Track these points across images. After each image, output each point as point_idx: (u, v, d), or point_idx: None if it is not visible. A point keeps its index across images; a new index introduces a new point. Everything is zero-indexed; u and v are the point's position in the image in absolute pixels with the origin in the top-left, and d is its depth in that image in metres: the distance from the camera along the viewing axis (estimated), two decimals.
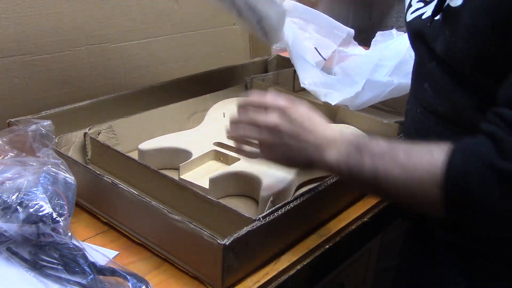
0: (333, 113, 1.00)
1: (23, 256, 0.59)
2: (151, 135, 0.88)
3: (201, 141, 0.87)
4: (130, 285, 0.56)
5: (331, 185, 0.70)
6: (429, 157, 0.51)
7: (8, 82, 0.85)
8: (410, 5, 0.67)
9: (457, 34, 0.55)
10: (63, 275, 0.57)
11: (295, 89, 1.23)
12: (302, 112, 0.62)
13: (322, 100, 1.03)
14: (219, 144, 0.87)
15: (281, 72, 1.21)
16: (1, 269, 0.58)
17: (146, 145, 0.85)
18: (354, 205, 0.79)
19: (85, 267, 0.57)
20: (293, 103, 0.62)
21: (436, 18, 0.59)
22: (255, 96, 0.65)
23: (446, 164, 0.50)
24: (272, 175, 0.76)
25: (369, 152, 0.55)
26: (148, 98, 0.97)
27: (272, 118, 0.62)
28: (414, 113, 0.67)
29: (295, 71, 1.18)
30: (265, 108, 0.63)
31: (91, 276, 0.56)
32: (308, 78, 1.12)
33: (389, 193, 0.56)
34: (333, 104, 0.99)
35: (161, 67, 1.08)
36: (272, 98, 0.63)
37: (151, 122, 0.93)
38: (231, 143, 0.88)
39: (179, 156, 0.84)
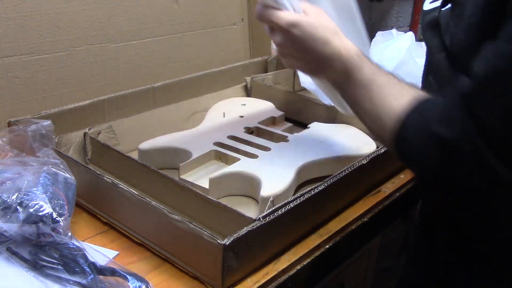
0: (333, 113, 1.00)
1: (23, 256, 0.59)
2: (151, 135, 0.88)
3: (201, 141, 0.87)
4: (130, 285, 0.56)
5: (331, 185, 0.70)
6: (395, 102, 0.55)
7: (8, 82, 0.85)
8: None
9: (459, 26, 0.56)
10: (63, 275, 0.57)
11: (295, 89, 1.23)
12: (304, 31, 0.62)
13: (322, 100, 1.03)
14: (219, 144, 0.87)
15: (281, 72, 1.21)
16: (1, 269, 0.58)
17: (146, 145, 0.85)
18: (354, 205, 0.79)
19: (85, 267, 0.57)
20: (297, 20, 0.62)
21: (444, 8, 0.60)
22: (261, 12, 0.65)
23: (400, 115, 0.53)
24: (272, 175, 0.76)
25: (353, 82, 0.61)
26: (148, 98, 0.97)
27: (276, 39, 0.65)
28: None
29: (295, 71, 1.19)
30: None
31: (91, 276, 0.56)
32: (308, 78, 1.12)
33: (364, 121, 0.62)
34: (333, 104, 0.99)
35: (161, 67, 1.08)
36: (277, 15, 0.63)
37: (151, 122, 0.93)
38: (231, 143, 0.88)
39: (179, 156, 0.84)
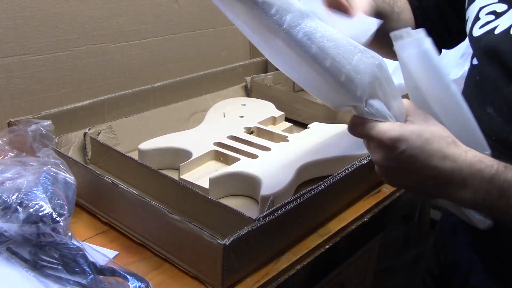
0: (333, 113, 1.00)
1: (23, 256, 0.59)
2: (151, 135, 0.88)
3: (201, 141, 0.87)
4: (130, 285, 0.56)
5: (331, 185, 0.70)
6: None
7: (8, 82, 0.85)
8: (477, 18, 0.60)
9: None
10: (63, 275, 0.57)
11: (295, 89, 1.23)
12: (414, 146, 0.49)
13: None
14: (219, 144, 0.87)
15: (281, 72, 1.20)
16: (1, 269, 0.58)
17: (146, 145, 0.85)
18: (354, 205, 0.79)
19: (85, 267, 0.57)
20: (402, 134, 0.49)
21: (498, 32, 0.54)
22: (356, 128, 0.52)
23: None
24: (272, 175, 0.76)
25: (500, 195, 0.48)
26: (148, 98, 0.97)
27: (376, 157, 0.51)
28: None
29: None
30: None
31: (91, 276, 0.56)
32: None
33: None
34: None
35: (161, 67, 1.08)
36: (377, 129, 0.50)
37: (151, 122, 0.93)
38: (231, 143, 0.88)
39: (179, 156, 0.84)
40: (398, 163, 0.49)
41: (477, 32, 0.60)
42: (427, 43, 0.49)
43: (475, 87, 0.62)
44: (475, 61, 0.63)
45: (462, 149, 0.50)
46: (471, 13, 0.62)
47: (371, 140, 0.51)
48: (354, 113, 0.52)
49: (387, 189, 0.84)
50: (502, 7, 0.58)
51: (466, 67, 0.90)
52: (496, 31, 0.57)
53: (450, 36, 0.76)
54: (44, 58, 0.89)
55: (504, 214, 0.49)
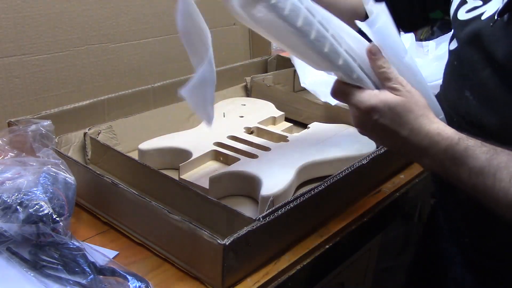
0: (333, 113, 1.00)
1: (23, 256, 0.59)
2: (151, 135, 0.88)
3: (201, 141, 0.87)
4: (130, 285, 0.56)
5: (331, 185, 0.70)
6: None
7: (8, 82, 0.85)
8: (464, 2, 0.63)
9: None
10: (63, 275, 0.57)
11: (295, 89, 1.23)
12: (387, 116, 0.56)
13: (322, 100, 1.03)
14: (219, 144, 0.87)
15: (281, 72, 1.21)
16: (1, 269, 0.58)
17: (146, 145, 0.85)
18: (354, 205, 0.79)
19: (85, 267, 0.57)
20: (376, 105, 0.56)
21: (498, 18, 0.55)
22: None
23: None
24: (272, 175, 0.76)
25: (467, 167, 0.52)
26: (148, 98, 0.97)
27: (355, 119, 0.59)
28: (448, 121, 0.62)
29: (295, 71, 1.19)
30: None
31: (91, 276, 0.56)
32: (308, 77, 1.12)
33: (487, 204, 0.53)
34: (333, 104, 0.99)
35: (161, 67, 1.08)
36: (356, 99, 0.57)
37: (151, 122, 0.93)
38: (231, 143, 0.88)
39: (179, 156, 0.84)
40: (372, 127, 0.58)
41: (463, 15, 0.62)
42: (384, 18, 0.57)
43: (454, 72, 0.65)
44: (453, 46, 0.65)
45: (428, 121, 0.56)
46: None
47: (351, 106, 0.59)
48: (337, 78, 0.59)
49: (387, 189, 0.84)
50: None
51: None
52: (483, 17, 0.58)
53: (410, 19, 0.79)
54: (44, 58, 0.89)
55: (456, 180, 0.55)
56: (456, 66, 0.64)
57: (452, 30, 0.66)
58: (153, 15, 1.04)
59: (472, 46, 0.59)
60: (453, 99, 0.64)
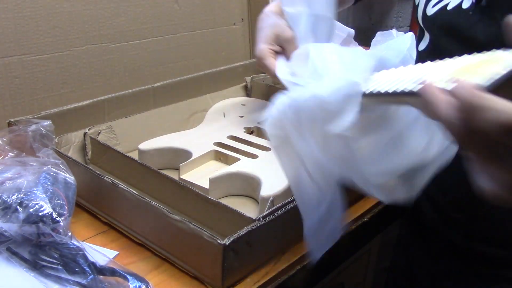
0: None
1: (23, 256, 0.59)
2: (151, 135, 0.88)
3: (201, 141, 0.87)
4: (130, 285, 0.56)
5: None
6: None
7: (8, 82, 0.85)
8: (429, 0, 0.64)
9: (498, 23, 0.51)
10: (63, 275, 0.57)
11: None
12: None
13: None
14: (219, 144, 0.87)
15: None
16: (1, 269, 0.58)
17: (146, 145, 0.85)
18: (354, 205, 0.79)
19: (85, 267, 0.57)
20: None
21: (450, 8, 0.57)
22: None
23: None
24: (272, 175, 0.76)
25: None
26: (148, 98, 0.97)
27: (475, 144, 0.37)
28: None
29: None
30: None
31: (91, 276, 0.56)
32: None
33: None
34: None
35: (161, 67, 1.08)
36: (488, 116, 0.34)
37: (151, 122, 0.93)
38: (231, 143, 0.88)
39: (179, 156, 0.84)
40: (507, 153, 0.36)
41: (430, 11, 0.62)
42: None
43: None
44: (423, 46, 0.65)
45: None
46: None
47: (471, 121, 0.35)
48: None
49: None
50: None
51: None
52: (449, 7, 0.59)
53: None
54: (44, 58, 0.89)
55: None
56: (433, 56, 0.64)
57: (418, 32, 0.66)
58: (153, 15, 1.04)
59: (448, 36, 0.59)
60: None
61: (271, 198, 0.70)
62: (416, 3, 0.67)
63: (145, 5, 1.02)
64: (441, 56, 0.61)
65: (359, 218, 0.76)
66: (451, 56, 0.58)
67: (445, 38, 0.60)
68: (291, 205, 0.64)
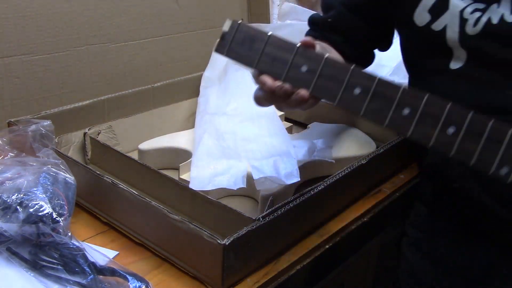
0: (333, 113, 1.00)
1: (23, 256, 0.59)
2: (151, 135, 0.88)
3: None
4: (130, 285, 0.56)
5: (331, 185, 0.70)
6: None
7: (8, 82, 0.85)
8: (464, 20, 0.62)
9: None
10: (63, 275, 0.57)
11: None
12: None
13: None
14: None
15: None
16: (1, 269, 0.58)
17: (146, 145, 0.85)
18: (354, 205, 0.79)
19: (85, 267, 0.57)
20: None
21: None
22: None
23: None
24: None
25: None
26: (148, 98, 0.97)
27: None
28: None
29: None
30: None
31: (91, 276, 0.56)
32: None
33: None
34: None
35: (161, 67, 1.08)
36: None
37: (151, 122, 0.93)
38: None
39: (179, 156, 0.84)
40: None
41: (473, 30, 0.61)
42: None
43: (471, 89, 0.63)
44: (457, 65, 0.63)
45: None
46: (449, 20, 0.63)
47: None
48: None
49: (387, 189, 0.84)
50: (480, 5, 0.61)
51: None
52: (493, 21, 0.59)
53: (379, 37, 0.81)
54: (44, 58, 0.89)
55: None
56: (476, 78, 0.62)
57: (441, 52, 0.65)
58: (153, 15, 1.04)
59: (506, 46, 0.59)
60: (498, 98, 0.61)
61: (270, 198, 0.70)
62: (439, 29, 0.64)
63: (145, 5, 1.02)
64: (495, 67, 0.61)
65: (359, 218, 0.76)
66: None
67: (502, 47, 0.60)
68: (291, 205, 0.64)
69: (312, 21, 0.81)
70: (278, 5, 1.33)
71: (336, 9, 0.77)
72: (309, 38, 0.56)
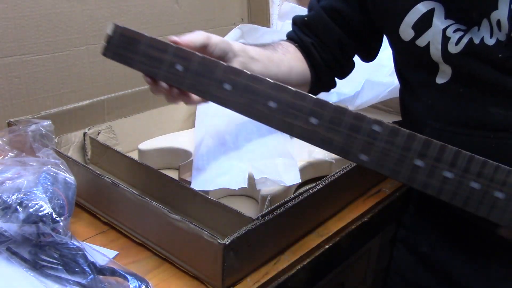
0: None
1: (23, 256, 0.59)
2: (151, 135, 0.88)
3: None
4: (130, 285, 0.56)
5: (330, 185, 0.70)
6: None
7: (8, 82, 0.85)
8: (447, 38, 0.62)
9: None
10: (63, 275, 0.57)
11: None
12: None
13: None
14: None
15: None
16: (1, 269, 0.58)
17: (146, 145, 0.85)
18: (354, 205, 0.79)
19: (85, 267, 0.57)
20: None
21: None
22: None
23: None
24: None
25: None
26: (148, 98, 0.97)
27: None
28: (478, 140, 0.61)
29: None
30: None
31: (91, 276, 0.56)
32: None
33: None
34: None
35: None
36: None
37: (151, 122, 0.93)
38: None
39: (179, 156, 0.84)
40: None
41: (455, 49, 0.62)
42: None
43: (455, 103, 0.63)
44: (442, 80, 0.64)
45: None
46: (431, 37, 0.63)
47: None
48: None
49: (387, 189, 0.84)
50: (462, 27, 0.61)
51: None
52: (477, 42, 0.60)
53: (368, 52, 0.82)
54: (44, 58, 0.89)
55: None
56: (461, 93, 0.63)
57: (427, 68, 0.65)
58: (153, 15, 1.04)
59: (483, 65, 0.60)
60: (476, 117, 0.62)
61: (268, 197, 0.70)
62: (423, 45, 0.65)
63: (145, 5, 1.02)
64: (479, 86, 0.61)
65: (359, 218, 0.76)
66: (491, 82, 0.59)
67: (482, 66, 0.60)
68: (291, 204, 0.64)
69: (292, 20, 0.81)
70: (278, 5, 1.33)
71: (315, 9, 0.78)
72: (177, 38, 0.61)
